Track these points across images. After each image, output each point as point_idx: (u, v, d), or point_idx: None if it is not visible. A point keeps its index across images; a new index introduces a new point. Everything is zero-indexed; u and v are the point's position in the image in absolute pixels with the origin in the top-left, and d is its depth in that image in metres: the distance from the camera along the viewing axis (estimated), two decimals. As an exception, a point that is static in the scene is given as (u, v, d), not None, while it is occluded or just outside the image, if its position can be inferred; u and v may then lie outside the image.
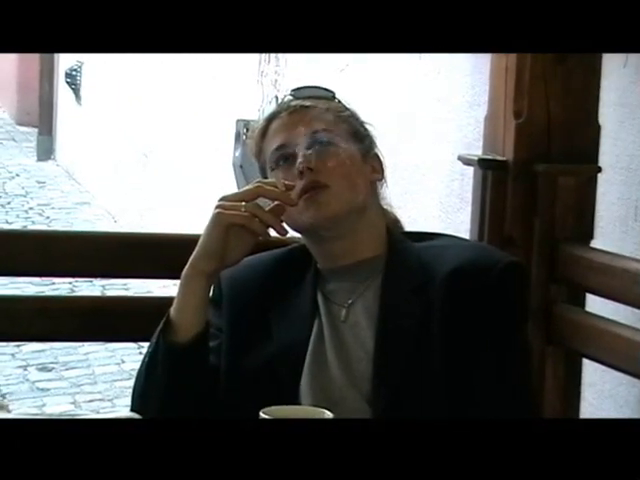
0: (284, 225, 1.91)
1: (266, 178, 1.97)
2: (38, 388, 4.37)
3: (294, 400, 1.88)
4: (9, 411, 1.95)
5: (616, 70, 2.57)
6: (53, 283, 5.11)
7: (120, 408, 3.96)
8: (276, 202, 1.86)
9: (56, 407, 4.15)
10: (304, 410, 1.76)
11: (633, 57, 2.57)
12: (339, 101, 2.02)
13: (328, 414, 1.65)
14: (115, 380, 4.47)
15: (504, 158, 2.44)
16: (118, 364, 4.63)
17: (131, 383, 1.98)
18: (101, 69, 7.56)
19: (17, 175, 8.06)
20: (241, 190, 1.91)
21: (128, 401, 1.93)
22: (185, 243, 2.03)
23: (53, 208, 7.21)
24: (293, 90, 2.02)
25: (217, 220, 1.86)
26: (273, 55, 4.80)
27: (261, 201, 1.87)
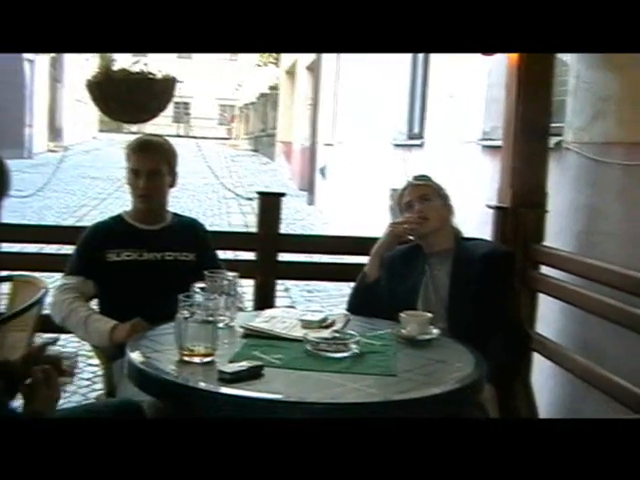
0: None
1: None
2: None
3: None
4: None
5: (552, 170, 3.27)
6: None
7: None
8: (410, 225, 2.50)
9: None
10: (419, 313, 2.36)
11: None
12: (433, 181, 2.78)
13: (429, 315, 2.30)
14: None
15: (506, 205, 3.21)
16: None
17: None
18: (334, 169, 11.24)
19: (296, 212, 12.41)
20: (398, 220, 2.64)
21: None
22: (368, 241, 2.83)
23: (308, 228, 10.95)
24: (414, 177, 2.78)
25: (392, 233, 2.61)
26: (408, 156, 6.39)
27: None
